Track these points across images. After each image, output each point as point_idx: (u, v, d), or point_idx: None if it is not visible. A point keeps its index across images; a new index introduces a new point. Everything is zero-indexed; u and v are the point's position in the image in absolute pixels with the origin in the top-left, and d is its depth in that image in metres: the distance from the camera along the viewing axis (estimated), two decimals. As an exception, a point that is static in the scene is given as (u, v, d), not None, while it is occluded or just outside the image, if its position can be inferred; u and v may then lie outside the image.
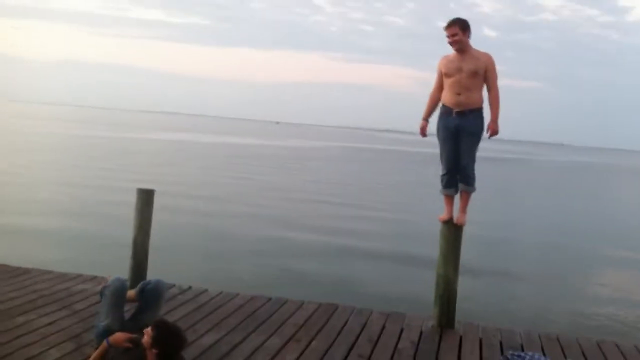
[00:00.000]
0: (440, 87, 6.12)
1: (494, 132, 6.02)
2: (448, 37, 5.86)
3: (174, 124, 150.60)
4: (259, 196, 24.06)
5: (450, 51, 5.99)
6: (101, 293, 4.92)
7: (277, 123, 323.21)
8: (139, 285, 5.12)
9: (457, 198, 6.30)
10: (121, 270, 6.96)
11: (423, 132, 6.26)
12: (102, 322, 4.70)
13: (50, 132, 62.39)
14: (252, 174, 32.77)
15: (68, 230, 14.90)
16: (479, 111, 6.03)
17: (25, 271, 7.28)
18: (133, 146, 50.32)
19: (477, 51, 5.94)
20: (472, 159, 6.15)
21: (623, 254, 17.66)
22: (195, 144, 63.83)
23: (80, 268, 7.88)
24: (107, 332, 4.55)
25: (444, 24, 5.95)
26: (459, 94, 5.90)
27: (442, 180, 6.29)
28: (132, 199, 7.20)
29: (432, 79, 6.27)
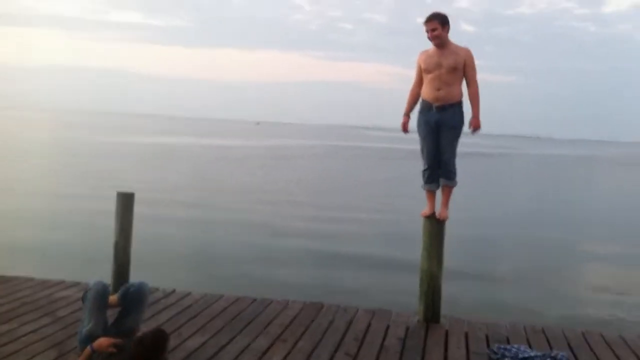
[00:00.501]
0: (420, 83, 6.12)
1: (476, 127, 6.04)
2: (427, 32, 5.85)
3: (151, 126, 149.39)
4: (239, 198, 23.96)
5: (430, 46, 5.99)
6: (83, 298, 4.85)
7: (258, 123, 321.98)
8: (122, 289, 5.05)
9: (438, 193, 6.32)
10: (104, 275, 6.90)
11: (405, 128, 6.29)
12: (85, 327, 4.63)
13: (25, 137, 61.71)
14: (231, 176, 32.66)
15: (49, 237, 14.75)
16: (458, 105, 6.05)
17: (6, 280, 7.19)
18: (110, 149, 49.88)
19: (456, 46, 5.95)
20: (453, 154, 6.18)
21: (603, 245, 17.87)
22: (173, 146, 63.41)
23: (62, 274, 7.78)
24: (89, 337, 4.49)
25: (423, 19, 5.96)
26: (438, 90, 5.91)
27: (423, 176, 6.29)
28: (112, 204, 7.13)
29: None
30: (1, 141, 50.72)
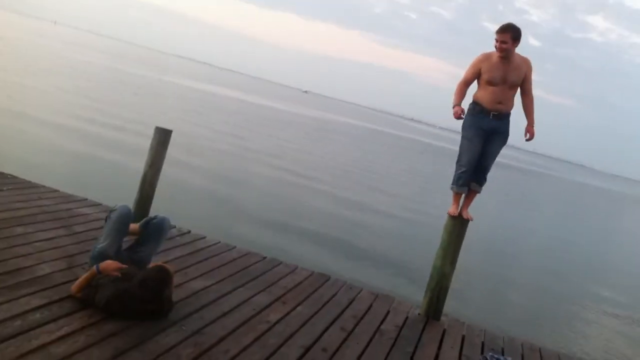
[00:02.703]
0: (470, 82, 6.02)
1: (532, 135, 6.04)
2: (497, 41, 5.72)
3: (206, 74, 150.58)
4: (274, 161, 24.10)
5: (491, 49, 5.90)
6: (106, 218, 4.95)
7: (306, 92, 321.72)
8: (145, 219, 5.15)
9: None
10: (127, 202, 7.03)
11: (459, 116, 6.10)
12: (100, 244, 4.73)
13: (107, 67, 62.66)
14: (272, 138, 32.82)
15: (85, 155, 15.06)
16: (510, 115, 6.02)
17: (33, 186, 7.38)
18: (168, 90, 50.52)
19: (519, 57, 5.83)
20: (494, 161, 6.17)
21: (622, 281, 17.60)
22: (220, 97, 63.86)
23: (87, 193, 7.93)
24: (101, 255, 4.58)
25: (496, 27, 5.76)
26: (500, 103, 5.87)
27: (459, 178, 6.13)
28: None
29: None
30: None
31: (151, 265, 4.69)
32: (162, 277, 4.30)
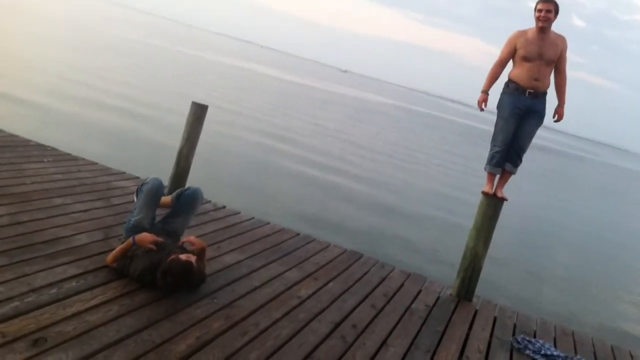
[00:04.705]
0: (505, 62, 5.92)
1: (560, 116, 5.93)
2: (540, 11, 5.61)
3: (245, 51, 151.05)
4: (313, 139, 24.14)
5: (527, 25, 5.79)
6: (137, 190, 5.04)
7: (345, 71, 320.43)
8: (177, 191, 5.23)
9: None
10: (163, 177, 7.13)
11: (483, 106, 6.06)
12: (134, 217, 4.81)
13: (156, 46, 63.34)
14: (312, 116, 32.84)
15: (126, 130, 15.29)
16: (546, 94, 5.90)
17: (73, 158, 7.53)
18: (208, 67, 50.84)
19: (555, 34, 5.74)
20: (530, 141, 6.06)
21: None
22: (260, 75, 64.02)
23: (125, 167, 8.06)
24: (135, 228, 4.67)
25: None
26: (536, 80, 5.75)
27: (493, 157, 6.04)
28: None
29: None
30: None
31: (184, 240, 4.73)
32: (183, 273, 4.24)
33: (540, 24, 5.66)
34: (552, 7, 5.60)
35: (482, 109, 6.11)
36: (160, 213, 5.16)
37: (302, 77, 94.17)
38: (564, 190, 32.67)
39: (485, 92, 5.97)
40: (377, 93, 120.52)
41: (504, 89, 5.98)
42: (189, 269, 4.27)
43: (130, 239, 4.45)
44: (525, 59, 5.75)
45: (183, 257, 4.30)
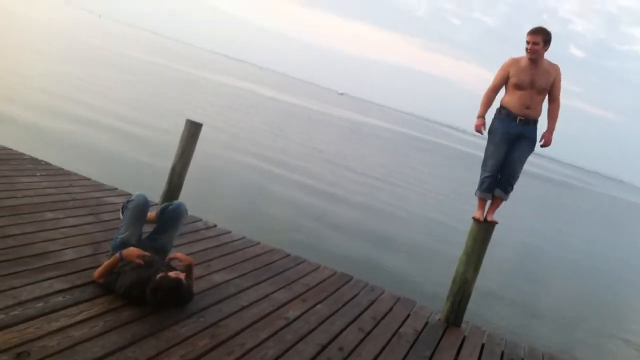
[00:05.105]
0: (499, 88, 5.97)
1: (547, 142, 5.94)
2: (528, 42, 5.69)
3: (243, 72, 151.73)
4: (307, 161, 24.18)
5: (521, 54, 5.85)
6: (123, 207, 5.05)
7: (342, 94, 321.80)
8: (160, 206, 5.25)
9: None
10: (155, 195, 7.14)
11: (481, 130, 6.08)
12: (120, 234, 4.82)
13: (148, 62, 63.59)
14: (310, 138, 32.93)
15: (119, 147, 15.28)
16: (537, 122, 5.94)
17: (65, 173, 7.53)
18: (199, 84, 51.01)
19: (549, 63, 5.79)
20: (521, 168, 6.07)
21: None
22: (258, 95, 64.25)
23: (118, 183, 8.05)
24: (123, 245, 4.66)
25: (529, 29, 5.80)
26: (527, 108, 5.80)
27: (483, 182, 6.07)
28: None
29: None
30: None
31: (171, 256, 4.73)
32: (172, 290, 4.23)
33: (529, 56, 5.73)
34: (539, 39, 5.64)
35: (481, 133, 6.11)
36: (147, 230, 5.16)
37: (299, 98, 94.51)
38: (557, 218, 32.71)
39: (482, 117, 6.02)
40: (372, 116, 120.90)
41: (495, 114, 6.03)
42: (178, 286, 4.26)
43: (117, 254, 4.44)
44: (517, 86, 5.80)
45: (172, 274, 4.28)
